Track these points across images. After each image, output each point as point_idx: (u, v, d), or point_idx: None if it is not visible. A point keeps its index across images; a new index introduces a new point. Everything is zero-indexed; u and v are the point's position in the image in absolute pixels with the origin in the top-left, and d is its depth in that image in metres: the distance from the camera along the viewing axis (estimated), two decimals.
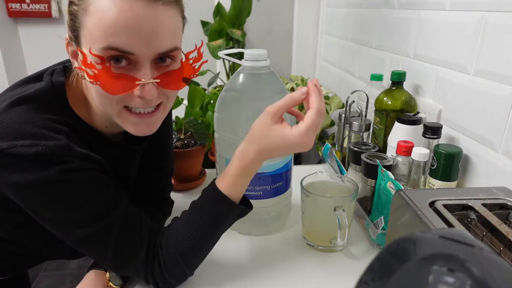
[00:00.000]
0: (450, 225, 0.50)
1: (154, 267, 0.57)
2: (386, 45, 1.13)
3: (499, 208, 0.56)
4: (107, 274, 0.63)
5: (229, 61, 1.81)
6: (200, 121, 0.90)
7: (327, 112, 1.37)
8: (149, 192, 0.76)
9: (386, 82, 1.03)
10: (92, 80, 0.49)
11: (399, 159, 0.75)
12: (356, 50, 1.36)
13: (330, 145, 1.06)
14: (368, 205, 0.77)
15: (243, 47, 1.88)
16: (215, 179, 0.61)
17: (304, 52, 1.93)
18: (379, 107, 0.94)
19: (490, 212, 0.53)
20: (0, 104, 0.51)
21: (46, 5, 2.04)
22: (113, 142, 0.62)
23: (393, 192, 0.64)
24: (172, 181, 0.82)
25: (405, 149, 0.74)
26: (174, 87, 0.56)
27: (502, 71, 0.69)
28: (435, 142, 0.76)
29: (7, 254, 0.66)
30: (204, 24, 1.93)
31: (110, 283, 0.62)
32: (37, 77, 0.59)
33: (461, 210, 0.55)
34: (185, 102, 0.96)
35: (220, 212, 0.58)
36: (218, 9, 1.85)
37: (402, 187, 0.61)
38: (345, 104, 0.98)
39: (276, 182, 0.73)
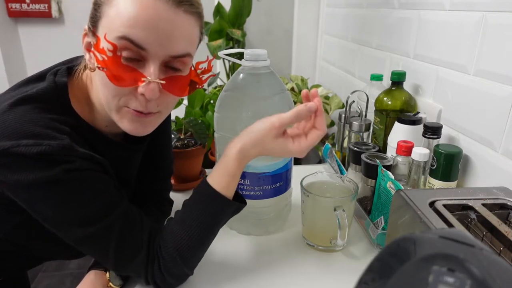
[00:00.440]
0: (450, 225, 0.50)
1: (154, 267, 0.57)
2: (386, 45, 1.13)
3: (499, 208, 0.56)
4: (107, 274, 0.63)
5: (229, 61, 1.81)
6: (200, 121, 0.90)
7: (327, 112, 1.37)
8: (148, 192, 0.76)
9: (386, 82, 1.03)
10: (100, 66, 0.50)
11: (399, 159, 0.75)
12: (356, 50, 1.36)
13: (330, 145, 1.06)
14: (368, 205, 0.77)
15: (243, 47, 1.88)
16: (206, 176, 0.61)
17: (304, 52, 1.93)
18: (379, 107, 0.94)
19: (490, 212, 0.53)
20: (2, 103, 0.51)
21: (46, 5, 2.04)
22: (114, 142, 0.62)
23: (393, 192, 0.64)
24: (172, 181, 0.82)
25: (405, 149, 0.74)
26: (178, 93, 0.56)
27: (502, 71, 0.69)
28: (435, 142, 0.76)
29: (7, 255, 0.66)
30: (204, 24, 1.93)
31: (110, 283, 0.62)
32: (39, 77, 0.59)
33: (461, 210, 0.55)
34: (185, 102, 0.96)
35: (216, 211, 0.59)
36: (218, 9, 1.85)
37: (402, 187, 0.61)
38: (345, 104, 0.98)
39: (276, 182, 0.73)
